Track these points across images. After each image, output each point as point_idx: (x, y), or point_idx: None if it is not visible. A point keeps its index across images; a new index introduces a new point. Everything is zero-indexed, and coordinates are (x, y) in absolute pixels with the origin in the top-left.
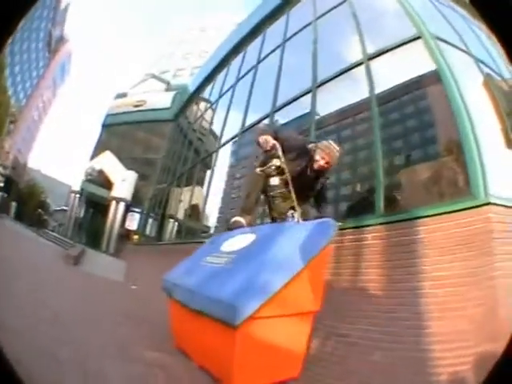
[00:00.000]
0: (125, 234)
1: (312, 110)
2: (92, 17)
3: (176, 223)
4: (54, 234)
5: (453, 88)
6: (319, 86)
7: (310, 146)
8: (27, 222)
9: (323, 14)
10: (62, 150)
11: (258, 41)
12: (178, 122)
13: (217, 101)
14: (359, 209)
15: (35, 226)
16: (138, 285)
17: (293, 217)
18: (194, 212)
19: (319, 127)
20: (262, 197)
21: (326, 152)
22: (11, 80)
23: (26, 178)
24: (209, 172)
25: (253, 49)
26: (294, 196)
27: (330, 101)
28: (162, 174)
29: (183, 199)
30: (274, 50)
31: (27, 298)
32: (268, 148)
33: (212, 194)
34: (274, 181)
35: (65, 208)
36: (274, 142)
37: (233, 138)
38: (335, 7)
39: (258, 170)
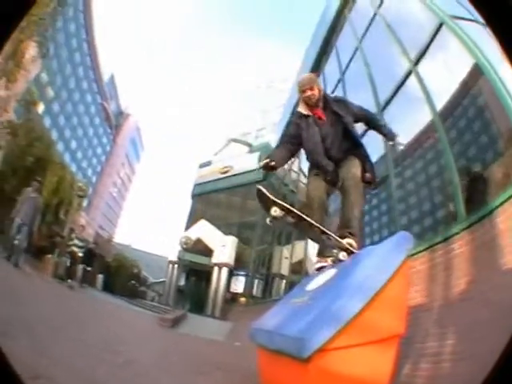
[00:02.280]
0: (230, 298)
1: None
2: (151, 89)
3: (283, 280)
4: (152, 303)
5: (496, 82)
6: (383, 109)
7: None
8: (118, 293)
9: (364, 35)
10: (152, 224)
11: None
12: (269, 180)
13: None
14: (441, 221)
15: (129, 296)
16: (242, 342)
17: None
18: (298, 267)
19: None
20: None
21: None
22: (69, 156)
23: (114, 252)
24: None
25: None
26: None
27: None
28: (262, 234)
29: (286, 256)
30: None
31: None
32: None
33: (312, 247)
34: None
35: (164, 279)
36: None
37: None
38: (370, 24)
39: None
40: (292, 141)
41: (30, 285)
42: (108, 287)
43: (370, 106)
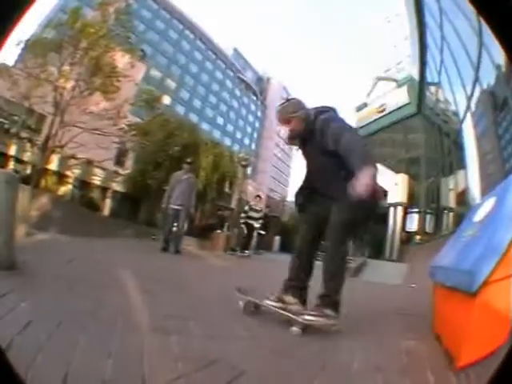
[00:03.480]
0: (407, 238)
1: None
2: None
3: (450, 213)
4: None
5: None
6: None
7: None
8: None
9: None
10: None
11: None
12: (423, 112)
13: (439, 80)
14: None
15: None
16: (418, 283)
17: None
18: (462, 197)
19: None
20: None
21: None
22: (219, 133)
23: (289, 212)
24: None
25: None
26: None
27: None
28: (427, 167)
29: (451, 187)
30: None
31: None
32: None
33: (470, 175)
34: None
35: None
36: None
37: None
38: None
39: None
40: None
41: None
42: (286, 247)
43: None
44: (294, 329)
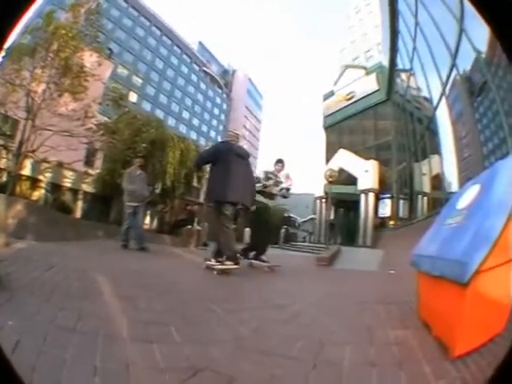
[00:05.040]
0: (379, 223)
1: None
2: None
3: (424, 197)
4: (304, 243)
5: None
6: None
7: None
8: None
9: None
10: (291, 165)
11: None
12: (392, 98)
13: (411, 67)
14: None
15: (284, 242)
16: (396, 269)
17: None
18: (436, 182)
19: None
20: None
21: None
22: (186, 127)
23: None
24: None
25: None
26: None
27: None
28: (399, 153)
29: (424, 172)
30: None
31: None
32: None
33: (446, 160)
34: None
35: (312, 216)
36: None
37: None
38: None
39: None
40: None
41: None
42: None
43: None
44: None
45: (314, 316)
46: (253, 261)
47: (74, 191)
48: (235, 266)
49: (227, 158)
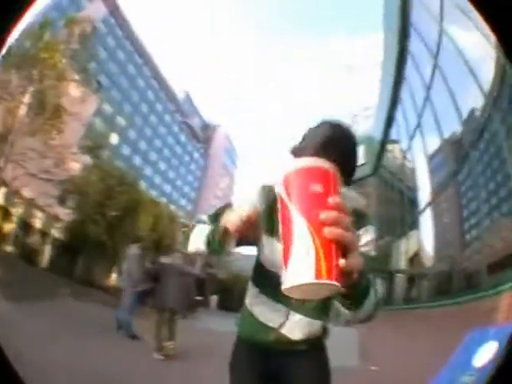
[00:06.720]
0: None
1: None
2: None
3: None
4: None
5: None
6: None
7: None
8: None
9: None
10: None
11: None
12: (379, 174)
13: (410, 145)
14: None
15: None
16: (379, 364)
17: None
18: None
19: None
20: None
21: None
22: (160, 178)
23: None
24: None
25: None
26: None
27: None
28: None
29: (406, 250)
30: None
31: None
32: None
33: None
34: None
35: None
36: None
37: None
38: None
39: None
40: None
41: None
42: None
43: None
44: None
45: None
46: None
47: (43, 234)
48: None
49: None
